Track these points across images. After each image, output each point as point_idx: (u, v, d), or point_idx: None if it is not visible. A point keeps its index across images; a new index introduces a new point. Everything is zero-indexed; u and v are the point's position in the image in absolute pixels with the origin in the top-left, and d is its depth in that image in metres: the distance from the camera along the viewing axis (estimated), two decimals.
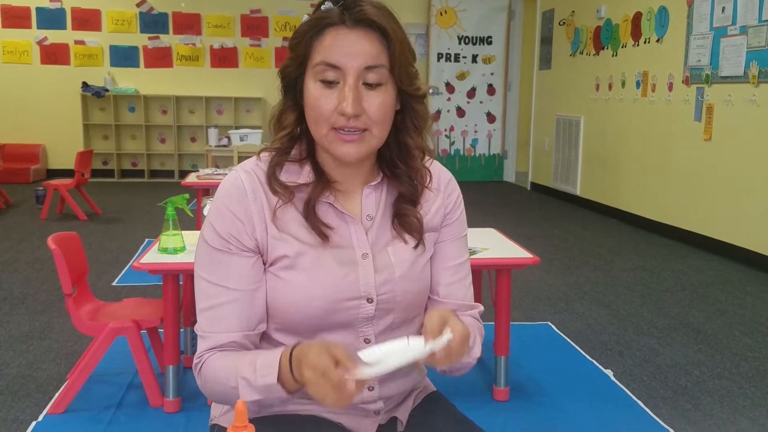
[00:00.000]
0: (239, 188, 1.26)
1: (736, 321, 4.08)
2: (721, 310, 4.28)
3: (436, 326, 1.13)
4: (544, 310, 4.24)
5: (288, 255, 1.26)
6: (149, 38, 9.99)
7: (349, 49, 1.19)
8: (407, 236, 1.33)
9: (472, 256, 2.66)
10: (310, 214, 1.27)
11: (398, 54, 1.21)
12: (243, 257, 1.25)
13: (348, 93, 1.18)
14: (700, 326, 3.97)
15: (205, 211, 3.17)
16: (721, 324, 4.02)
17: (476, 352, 1.33)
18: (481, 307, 1.45)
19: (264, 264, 1.28)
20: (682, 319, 4.11)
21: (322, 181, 1.29)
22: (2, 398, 2.91)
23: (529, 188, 9.73)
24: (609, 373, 3.30)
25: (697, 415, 2.90)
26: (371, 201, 1.33)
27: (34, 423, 2.69)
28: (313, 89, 1.21)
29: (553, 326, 3.94)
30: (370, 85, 1.20)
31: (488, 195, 8.79)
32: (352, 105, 1.18)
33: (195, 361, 1.28)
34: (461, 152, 10.35)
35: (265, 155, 1.31)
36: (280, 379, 1.14)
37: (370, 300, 1.29)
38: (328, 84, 1.20)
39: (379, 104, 1.21)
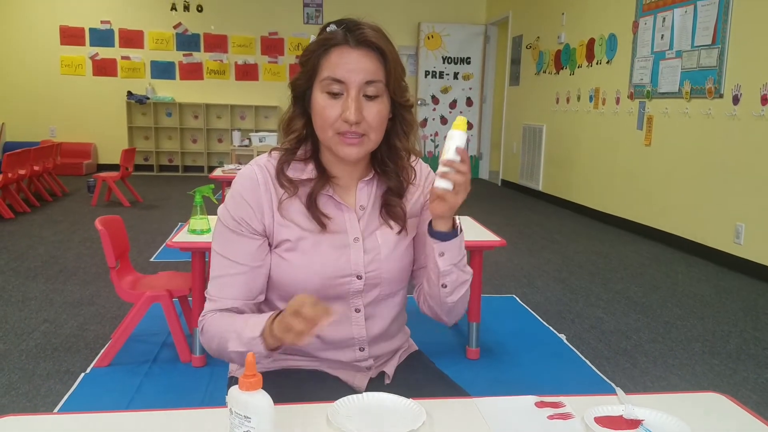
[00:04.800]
0: (253, 180, 1.24)
1: (668, 295, 4.08)
2: (656, 286, 4.29)
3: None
4: (510, 285, 4.24)
5: (290, 239, 1.24)
6: (184, 55, 9.91)
7: (352, 66, 1.17)
8: (392, 223, 1.31)
9: None
10: (311, 206, 1.25)
11: (393, 71, 1.20)
12: (251, 238, 1.24)
13: (351, 103, 1.17)
14: (638, 299, 3.98)
15: None
16: (656, 297, 4.03)
17: (468, 271, 1.28)
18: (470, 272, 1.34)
19: (270, 246, 1.26)
20: (624, 293, 4.11)
21: (324, 177, 1.27)
22: (57, 353, 2.91)
23: (499, 184, 9.70)
24: (562, 337, 3.31)
25: (634, 372, 2.90)
26: (364, 193, 1.31)
27: (82, 374, 2.69)
28: (320, 99, 1.19)
29: (517, 298, 3.94)
30: (369, 97, 1.19)
31: None
32: (355, 114, 1.17)
33: (200, 318, 1.26)
34: None
35: (276, 153, 1.28)
36: (263, 334, 1.13)
37: (359, 277, 1.27)
38: (334, 95, 1.18)
39: (376, 113, 1.20)
